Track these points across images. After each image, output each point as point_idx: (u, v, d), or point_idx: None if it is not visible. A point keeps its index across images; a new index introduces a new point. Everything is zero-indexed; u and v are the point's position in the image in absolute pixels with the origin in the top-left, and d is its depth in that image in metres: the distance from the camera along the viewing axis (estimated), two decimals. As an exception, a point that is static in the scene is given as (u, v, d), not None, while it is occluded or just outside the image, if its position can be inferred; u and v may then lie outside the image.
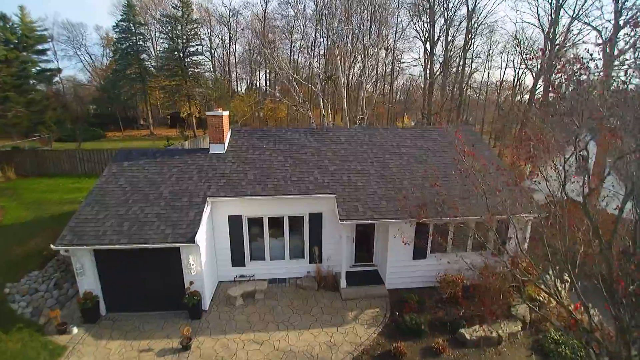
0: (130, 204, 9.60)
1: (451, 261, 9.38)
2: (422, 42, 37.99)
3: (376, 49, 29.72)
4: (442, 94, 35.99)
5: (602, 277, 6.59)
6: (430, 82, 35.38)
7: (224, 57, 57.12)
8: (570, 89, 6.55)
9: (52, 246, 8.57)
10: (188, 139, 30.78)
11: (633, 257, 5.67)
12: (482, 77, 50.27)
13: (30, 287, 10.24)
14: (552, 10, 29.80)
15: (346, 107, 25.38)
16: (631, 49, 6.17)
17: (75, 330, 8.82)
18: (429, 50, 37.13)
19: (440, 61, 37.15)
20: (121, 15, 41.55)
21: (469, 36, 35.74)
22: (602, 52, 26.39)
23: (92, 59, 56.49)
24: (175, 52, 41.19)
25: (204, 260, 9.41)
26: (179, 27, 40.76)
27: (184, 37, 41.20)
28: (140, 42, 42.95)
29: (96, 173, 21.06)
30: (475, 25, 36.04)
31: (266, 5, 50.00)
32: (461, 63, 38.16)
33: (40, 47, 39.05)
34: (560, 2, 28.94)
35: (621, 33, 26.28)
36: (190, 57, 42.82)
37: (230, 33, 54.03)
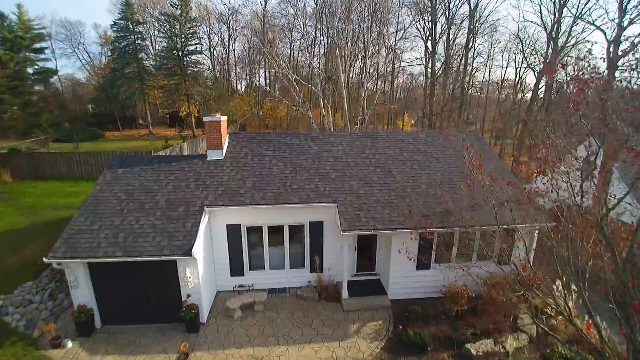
0: (125, 214, 9.32)
1: (456, 272, 9.11)
2: (424, 41, 37.62)
3: (377, 47, 29.33)
4: (444, 93, 35.64)
5: (614, 291, 6.36)
6: (432, 81, 35.01)
7: (223, 56, 56.80)
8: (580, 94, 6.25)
9: (44, 259, 8.29)
10: (186, 140, 30.40)
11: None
12: (483, 76, 49.91)
13: (24, 299, 9.98)
14: (556, 10, 29.40)
15: (347, 107, 25.06)
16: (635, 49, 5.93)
17: (69, 344, 8.57)
18: (430, 49, 36.75)
19: (442, 60, 36.78)
20: (119, 13, 41.07)
21: (471, 35, 35.35)
22: (606, 52, 26.04)
23: (90, 58, 56.18)
24: (174, 51, 40.73)
25: (202, 272, 9.15)
26: (178, 26, 40.27)
27: (183, 35, 40.71)
28: (139, 41, 42.45)
29: (93, 176, 20.75)
30: (477, 24, 35.64)
31: (265, 3, 49.53)
32: (463, 62, 37.80)
33: (38, 45, 38.78)
34: (564, 0, 28.54)
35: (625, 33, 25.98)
36: (189, 56, 42.38)
37: (229, 31, 53.69)
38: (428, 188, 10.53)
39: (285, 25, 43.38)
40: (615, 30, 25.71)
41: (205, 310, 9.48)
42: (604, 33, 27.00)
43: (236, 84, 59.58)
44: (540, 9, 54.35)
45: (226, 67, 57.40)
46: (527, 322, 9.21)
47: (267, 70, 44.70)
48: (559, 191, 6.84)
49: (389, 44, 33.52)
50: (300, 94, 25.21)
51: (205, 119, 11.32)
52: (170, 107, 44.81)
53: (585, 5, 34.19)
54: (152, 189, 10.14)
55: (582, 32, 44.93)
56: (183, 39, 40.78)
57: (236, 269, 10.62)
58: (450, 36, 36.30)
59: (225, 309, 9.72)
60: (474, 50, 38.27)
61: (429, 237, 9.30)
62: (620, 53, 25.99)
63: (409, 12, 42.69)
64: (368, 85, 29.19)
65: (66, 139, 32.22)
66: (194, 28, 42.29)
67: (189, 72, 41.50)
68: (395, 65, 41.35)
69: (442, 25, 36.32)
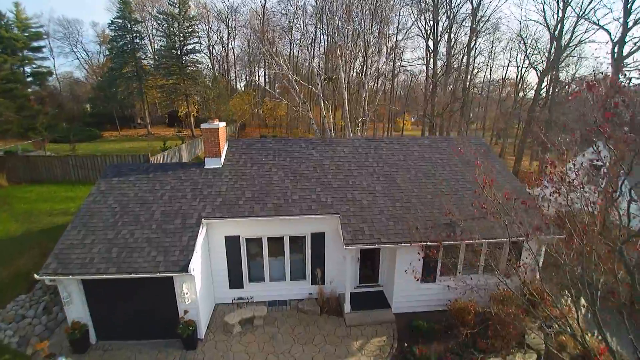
0: (119, 227, 8.98)
1: (462, 286, 8.82)
2: (425, 40, 37.17)
3: (378, 47, 28.91)
4: (445, 93, 35.23)
5: (628, 312, 6.07)
6: (434, 82, 34.59)
7: (223, 54, 56.30)
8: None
9: (35, 276, 7.97)
10: (185, 141, 30.00)
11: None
12: (485, 75, 49.48)
13: (17, 314, 9.66)
14: (559, 9, 28.95)
15: (347, 107, 24.67)
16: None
17: (63, 362, 8.26)
18: (431, 47, 36.30)
19: (444, 59, 36.35)
20: (117, 12, 40.53)
21: (473, 34, 34.91)
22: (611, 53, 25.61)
23: (88, 56, 55.67)
24: (173, 50, 40.23)
25: (199, 287, 8.82)
26: (176, 25, 39.75)
27: (181, 34, 40.19)
28: (137, 40, 41.94)
29: (90, 180, 20.41)
30: (480, 24, 35.19)
31: (265, 1, 48.95)
32: (465, 61, 37.37)
33: (35, 44, 38.32)
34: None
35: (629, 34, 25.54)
36: (188, 55, 41.89)
37: (228, 30, 53.15)
38: (433, 198, 10.20)
39: (285, 24, 42.93)
40: (620, 30, 25.30)
41: (203, 325, 9.17)
42: (609, 33, 26.60)
43: (235, 83, 59.12)
44: (544, 8, 53.74)
45: (225, 66, 56.92)
46: (535, 337, 8.91)
47: (267, 70, 44.24)
48: (570, 201, 6.55)
49: (391, 44, 33.09)
50: (301, 95, 24.82)
51: (202, 126, 10.96)
52: (169, 106, 44.38)
53: (589, 4, 33.73)
54: (147, 200, 9.80)
55: (585, 32, 44.34)
56: (181, 38, 40.26)
57: (235, 281, 10.30)
58: (452, 35, 35.87)
59: (224, 324, 9.41)
60: (476, 49, 37.85)
61: (434, 256, 8.96)
62: (624, 53, 25.60)
63: (411, 11, 42.19)
64: (369, 85, 28.80)
65: (64, 140, 31.85)
66: (193, 27, 41.75)
67: (187, 71, 41.03)
68: (396, 65, 40.91)
69: (443, 24, 35.88)
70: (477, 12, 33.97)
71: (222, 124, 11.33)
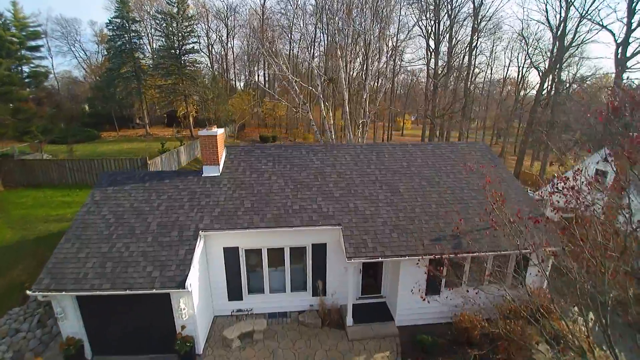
0: (114, 240, 8.70)
1: (467, 298, 8.55)
2: (426, 40, 36.81)
3: (378, 47, 28.53)
4: (446, 93, 34.90)
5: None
6: (435, 83, 34.24)
7: (222, 54, 55.89)
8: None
9: (28, 292, 7.71)
10: (183, 142, 29.64)
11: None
12: (485, 75, 49.13)
13: (11, 328, 9.38)
14: (562, 9, 28.61)
15: (348, 108, 24.37)
16: None
17: (57, 379, 8.03)
18: (432, 47, 35.94)
19: (445, 60, 35.99)
20: (115, 11, 40.08)
21: (475, 34, 34.53)
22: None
23: (87, 56, 55.22)
24: (171, 50, 39.83)
25: (197, 301, 8.56)
26: (175, 24, 39.34)
27: (180, 34, 39.79)
28: (135, 40, 41.50)
29: (87, 183, 20.12)
30: (482, 24, 34.82)
31: (264, 0, 48.48)
32: (466, 61, 37.01)
33: (33, 43, 37.88)
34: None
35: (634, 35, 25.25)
36: (187, 55, 41.50)
37: (227, 29, 52.73)
38: (438, 208, 9.92)
39: (284, 24, 42.51)
40: (624, 30, 24.97)
41: (202, 340, 8.91)
42: (612, 34, 26.26)
43: (235, 82, 58.73)
44: (546, 8, 53.36)
45: (225, 66, 56.51)
46: (542, 350, 8.65)
47: (266, 70, 43.89)
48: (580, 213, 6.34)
49: (392, 44, 32.72)
50: (301, 96, 24.50)
51: (200, 133, 10.66)
52: (168, 107, 43.99)
53: (592, 4, 33.39)
54: (143, 211, 9.51)
55: (588, 32, 44.05)
56: (180, 38, 39.87)
57: (234, 293, 10.04)
58: (453, 34, 35.50)
59: (222, 338, 9.16)
60: (477, 49, 37.49)
61: (439, 271, 8.70)
62: (628, 54, 25.28)
63: (412, 11, 41.75)
64: (369, 86, 28.46)
65: (62, 141, 31.51)
66: (192, 26, 41.34)
67: (186, 71, 40.64)
68: (397, 65, 40.54)
69: (444, 24, 35.51)
70: (478, 11, 33.62)
71: (221, 131, 11.03)
